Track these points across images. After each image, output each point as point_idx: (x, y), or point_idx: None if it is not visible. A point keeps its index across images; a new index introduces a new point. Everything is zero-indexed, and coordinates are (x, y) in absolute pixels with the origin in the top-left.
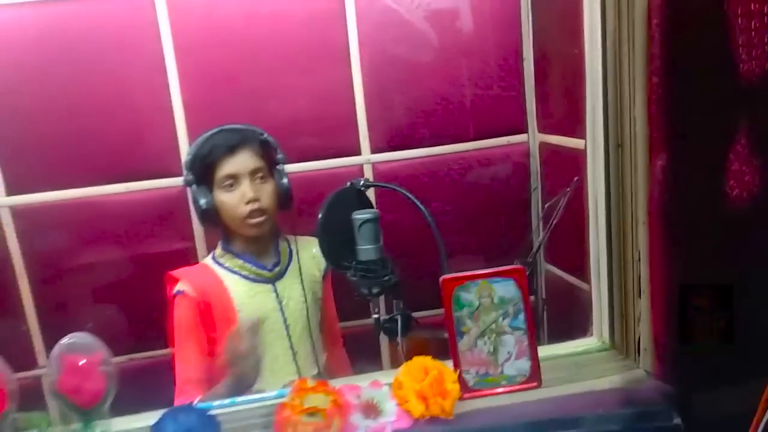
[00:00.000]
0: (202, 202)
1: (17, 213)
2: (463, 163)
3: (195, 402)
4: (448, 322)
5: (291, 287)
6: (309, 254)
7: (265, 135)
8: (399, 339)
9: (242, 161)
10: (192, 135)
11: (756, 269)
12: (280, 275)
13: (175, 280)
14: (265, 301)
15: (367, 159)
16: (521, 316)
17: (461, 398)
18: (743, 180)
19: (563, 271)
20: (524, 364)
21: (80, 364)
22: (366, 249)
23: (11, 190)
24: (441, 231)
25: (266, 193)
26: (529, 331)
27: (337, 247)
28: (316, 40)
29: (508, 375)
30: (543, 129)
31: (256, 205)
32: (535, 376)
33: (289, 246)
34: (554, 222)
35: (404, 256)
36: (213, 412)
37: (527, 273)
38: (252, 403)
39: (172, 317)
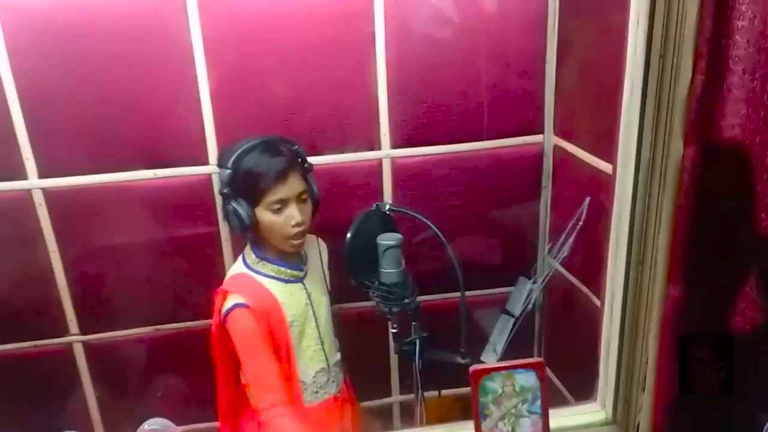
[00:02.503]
0: (245, 217)
1: (50, 195)
2: (479, 160)
3: None
4: (474, 407)
5: (314, 283)
6: (317, 249)
7: (297, 147)
8: (416, 360)
9: (291, 187)
10: (218, 124)
11: (753, 389)
12: (306, 273)
13: (226, 294)
14: (300, 299)
15: (386, 154)
16: (538, 402)
17: None
18: (747, 316)
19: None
20: None
21: None
22: (389, 273)
23: (43, 174)
24: (453, 225)
25: (308, 212)
26: (543, 415)
27: (362, 266)
28: (343, 36)
29: None
30: (558, 132)
31: (302, 228)
32: None
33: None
34: (565, 254)
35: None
36: None
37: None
38: None
39: (227, 331)
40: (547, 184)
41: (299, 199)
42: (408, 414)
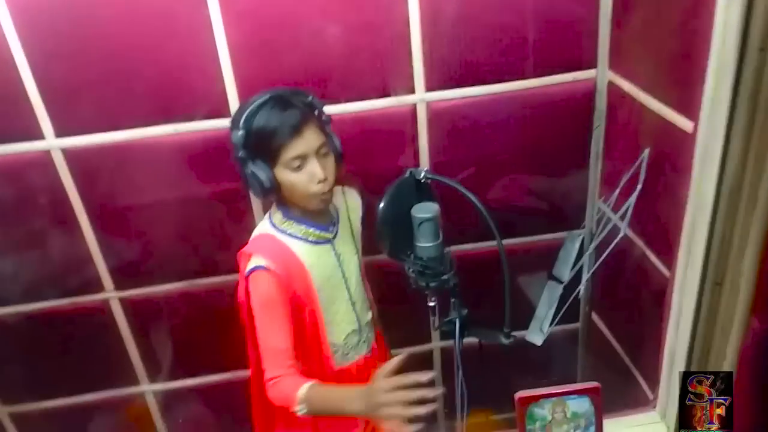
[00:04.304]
0: (265, 180)
1: (69, 154)
2: (523, 100)
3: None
4: None
5: (344, 243)
6: (350, 206)
7: (311, 98)
8: (456, 342)
9: (309, 141)
10: (238, 77)
11: None
12: (336, 233)
13: (249, 256)
14: (328, 261)
15: (421, 98)
16: (592, 429)
17: None
18: None
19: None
20: None
21: None
22: (425, 247)
23: (60, 133)
24: (496, 173)
25: (330, 166)
26: None
27: (397, 238)
28: None
29: None
30: (614, 68)
31: (326, 185)
32: None
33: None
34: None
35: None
36: None
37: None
38: None
39: (248, 292)
40: (599, 124)
41: (319, 154)
42: (449, 361)
